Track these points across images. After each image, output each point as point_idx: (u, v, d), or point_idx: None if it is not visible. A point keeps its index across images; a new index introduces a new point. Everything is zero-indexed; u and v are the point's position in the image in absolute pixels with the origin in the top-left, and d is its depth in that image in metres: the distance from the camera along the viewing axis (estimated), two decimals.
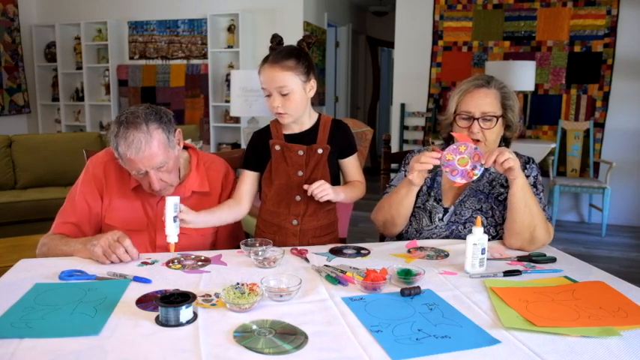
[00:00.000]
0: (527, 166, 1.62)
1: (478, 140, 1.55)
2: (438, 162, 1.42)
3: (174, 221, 1.38)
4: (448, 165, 1.41)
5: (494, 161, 1.39)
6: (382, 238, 1.89)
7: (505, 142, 1.65)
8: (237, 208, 1.59)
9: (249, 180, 1.63)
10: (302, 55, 1.52)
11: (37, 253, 1.49)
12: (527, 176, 1.59)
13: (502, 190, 1.61)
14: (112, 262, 1.33)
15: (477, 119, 1.54)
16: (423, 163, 1.43)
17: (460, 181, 1.41)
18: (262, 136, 1.62)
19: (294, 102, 1.51)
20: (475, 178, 1.41)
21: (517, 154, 1.67)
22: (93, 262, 1.34)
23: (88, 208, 1.54)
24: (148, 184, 1.47)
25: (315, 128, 1.60)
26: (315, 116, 1.62)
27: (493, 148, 1.60)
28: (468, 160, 1.40)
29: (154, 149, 1.40)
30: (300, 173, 1.57)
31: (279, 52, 1.50)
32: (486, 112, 1.54)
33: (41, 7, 6.00)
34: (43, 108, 6.09)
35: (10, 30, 5.67)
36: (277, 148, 1.58)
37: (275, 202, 1.62)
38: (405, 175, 1.74)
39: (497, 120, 1.55)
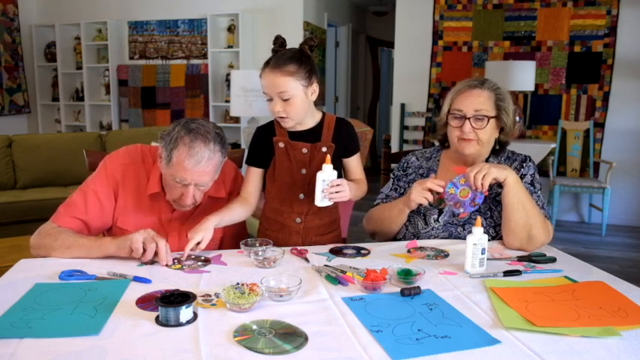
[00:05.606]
0: (524, 164, 1.62)
1: (470, 139, 1.55)
2: (441, 189, 1.47)
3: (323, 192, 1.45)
4: (452, 199, 1.47)
5: (479, 180, 1.43)
6: None
7: (500, 145, 1.65)
8: (245, 206, 1.57)
9: (255, 176, 1.62)
10: (304, 59, 1.49)
11: (34, 242, 1.42)
12: (524, 175, 1.60)
13: (500, 190, 1.61)
14: (144, 258, 1.31)
15: (469, 119, 1.54)
16: (423, 196, 1.48)
17: (464, 212, 1.48)
18: (266, 132, 1.61)
19: (296, 106, 1.50)
20: (477, 207, 1.47)
21: (513, 152, 1.67)
22: (93, 262, 1.33)
23: (100, 208, 1.50)
24: (179, 194, 1.44)
25: (319, 127, 1.59)
26: (318, 115, 1.61)
27: (488, 150, 1.62)
28: (468, 191, 1.45)
29: (209, 168, 1.40)
30: (304, 171, 1.57)
31: (280, 57, 1.48)
32: (478, 110, 1.54)
33: (41, 7, 6.00)
34: (43, 108, 6.09)
35: (10, 30, 5.67)
36: (281, 145, 1.57)
37: (278, 199, 1.61)
38: (393, 183, 1.75)
39: (489, 120, 1.55)
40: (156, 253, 1.32)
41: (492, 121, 1.56)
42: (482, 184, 1.42)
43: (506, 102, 1.58)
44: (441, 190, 1.47)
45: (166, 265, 1.33)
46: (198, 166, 1.38)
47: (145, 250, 1.31)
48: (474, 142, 1.56)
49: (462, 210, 1.47)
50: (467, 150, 1.57)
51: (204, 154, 1.38)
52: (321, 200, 1.46)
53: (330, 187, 1.44)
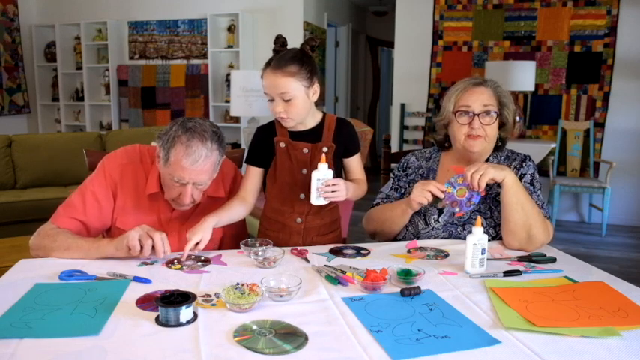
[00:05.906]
0: (524, 164, 1.63)
1: (479, 136, 1.55)
2: (442, 195, 1.48)
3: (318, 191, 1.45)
4: (449, 198, 1.48)
5: (476, 180, 1.43)
6: None
7: (501, 142, 1.65)
8: (244, 205, 1.57)
9: (254, 176, 1.61)
10: (305, 59, 1.49)
11: (33, 242, 1.42)
12: (524, 174, 1.60)
13: (499, 190, 1.61)
14: (142, 254, 1.30)
15: (478, 115, 1.55)
16: (424, 196, 1.48)
17: (461, 211, 1.49)
18: (266, 132, 1.61)
19: (297, 107, 1.49)
20: (473, 206, 1.48)
21: (513, 152, 1.68)
22: (93, 262, 1.33)
23: (99, 208, 1.50)
24: (178, 194, 1.44)
25: (319, 127, 1.59)
26: (319, 115, 1.61)
27: (491, 148, 1.63)
28: (465, 190, 1.47)
29: (207, 167, 1.41)
30: (305, 171, 1.57)
31: (281, 57, 1.48)
32: (487, 105, 1.55)
33: (41, 7, 6.00)
34: (43, 108, 6.09)
35: (10, 30, 5.67)
36: (282, 145, 1.57)
37: (279, 199, 1.61)
38: (394, 183, 1.75)
39: (497, 116, 1.56)
40: (153, 248, 1.32)
41: (497, 117, 1.57)
42: (478, 184, 1.42)
43: (507, 98, 1.61)
44: (442, 195, 1.48)
45: (167, 265, 1.33)
46: (196, 164, 1.38)
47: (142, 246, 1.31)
48: (482, 139, 1.56)
49: (458, 209, 1.48)
50: (475, 148, 1.57)
51: (202, 153, 1.38)
52: (315, 199, 1.46)
53: (325, 186, 1.44)
